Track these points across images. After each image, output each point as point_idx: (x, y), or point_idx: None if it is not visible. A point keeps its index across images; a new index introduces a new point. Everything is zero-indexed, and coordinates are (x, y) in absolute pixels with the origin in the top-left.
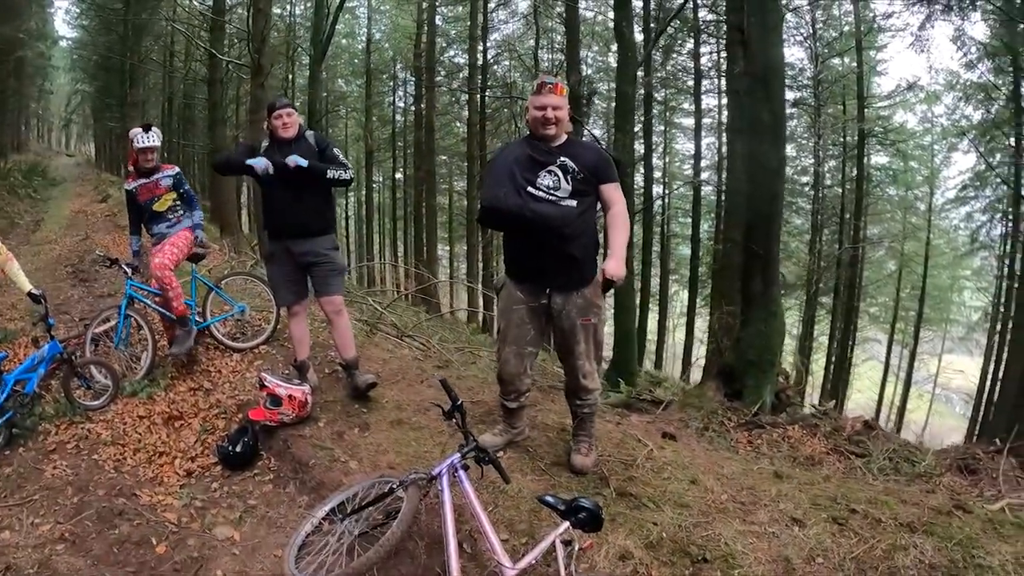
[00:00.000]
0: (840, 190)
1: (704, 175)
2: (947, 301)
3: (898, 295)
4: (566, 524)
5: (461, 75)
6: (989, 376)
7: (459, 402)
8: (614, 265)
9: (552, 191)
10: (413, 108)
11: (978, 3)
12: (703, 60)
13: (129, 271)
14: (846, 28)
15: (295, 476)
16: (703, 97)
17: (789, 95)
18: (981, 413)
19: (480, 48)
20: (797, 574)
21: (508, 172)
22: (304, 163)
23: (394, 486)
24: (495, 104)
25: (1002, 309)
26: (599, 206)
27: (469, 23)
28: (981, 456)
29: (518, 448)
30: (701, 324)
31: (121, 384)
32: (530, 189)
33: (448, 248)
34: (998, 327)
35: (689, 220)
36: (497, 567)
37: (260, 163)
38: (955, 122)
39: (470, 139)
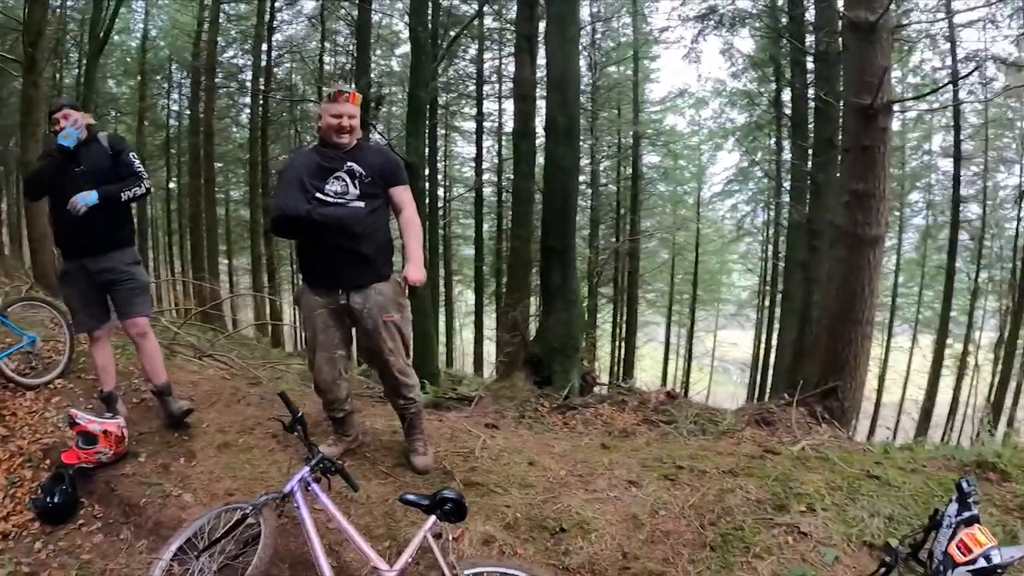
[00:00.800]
0: (615, 188)
1: (484, 177)
2: (717, 283)
3: (672, 281)
4: (432, 518)
5: (241, 77)
6: (762, 345)
7: (299, 414)
8: (414, 271)
9: (340, 196)
10: (189, 112)
11: (746, 20)
12: (485, 66)
13: None
14: (623, 39)
15: (127, 520)
16: (484, 102)
17: None
18: (758, 377)
19: (264, 48)
20: (646, 528)
21: (297, 180)
22: (93, 200)
23: (246, 511)
24: (277, 108)
25: (768, 287)
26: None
27: (255, 22)
28: (774, 410)
29: (356, 455)
30: (488, 322)
31: None
32: (319, 195)
33: (227, 261)
34: (766, 302)
35: (471, 221)
36: (373, 572)
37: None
38: (721, 125)
39: (252, 144)
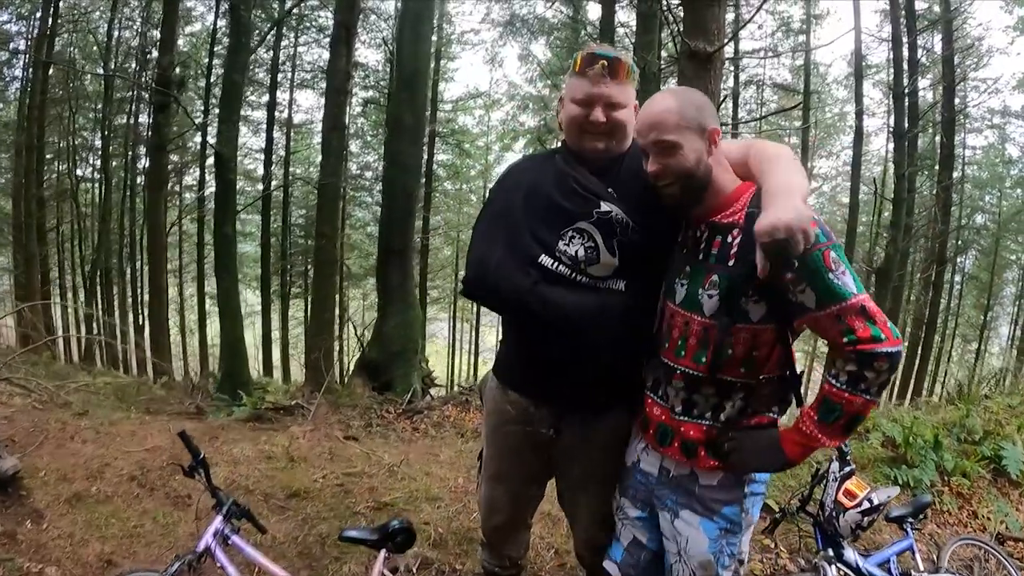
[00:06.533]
0: None
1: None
2: None
3: (456, 278)
4: (383, 552)
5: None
6: None
7: (201, 456)
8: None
9: (576, 267)
10: None
11: (554, 30)
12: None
13: None
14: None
15: None
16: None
17: (364, 94)
18: None
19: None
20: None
21: (512, 222)
22: None
23: None
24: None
25: None
26: None
27: None
28: None
29: (237, 487)
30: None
31: None
32: (542, 260)
33: None
34: None
35: (250, 217)
36: None
37: None
38: (510, 127)
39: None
